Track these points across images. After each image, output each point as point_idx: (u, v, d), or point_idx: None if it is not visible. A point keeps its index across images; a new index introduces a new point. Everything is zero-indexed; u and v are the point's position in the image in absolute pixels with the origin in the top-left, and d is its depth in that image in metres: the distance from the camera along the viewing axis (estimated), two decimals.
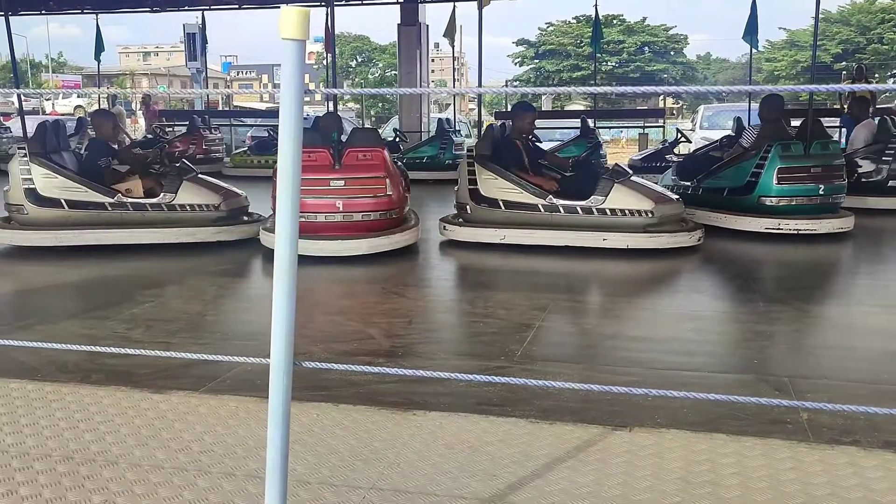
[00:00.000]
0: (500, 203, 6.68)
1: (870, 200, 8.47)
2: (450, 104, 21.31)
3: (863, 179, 8.85)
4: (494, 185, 6.71)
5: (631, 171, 7.00)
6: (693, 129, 17.77)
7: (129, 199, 6.75)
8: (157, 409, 2.87)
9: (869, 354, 3.89)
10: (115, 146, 7.60)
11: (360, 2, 16.34)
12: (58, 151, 6.94)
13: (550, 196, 6.56)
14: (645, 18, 44.07)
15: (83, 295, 5.47)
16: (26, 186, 6.64)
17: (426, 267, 6.46)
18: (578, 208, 6.50)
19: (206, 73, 18.51)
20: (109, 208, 6.70)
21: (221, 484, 2.31)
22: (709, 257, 6.29)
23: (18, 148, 6.93)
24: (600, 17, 14.77)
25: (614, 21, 41.97)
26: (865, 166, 9.00)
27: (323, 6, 15.57)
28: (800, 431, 2.83)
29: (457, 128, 15.69)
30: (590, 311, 5.08)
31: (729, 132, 12.35)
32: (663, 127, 16.63)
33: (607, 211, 6.42)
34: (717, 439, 2.61)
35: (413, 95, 15.75)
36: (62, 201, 6.69)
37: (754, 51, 15.10)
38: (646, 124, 16.21)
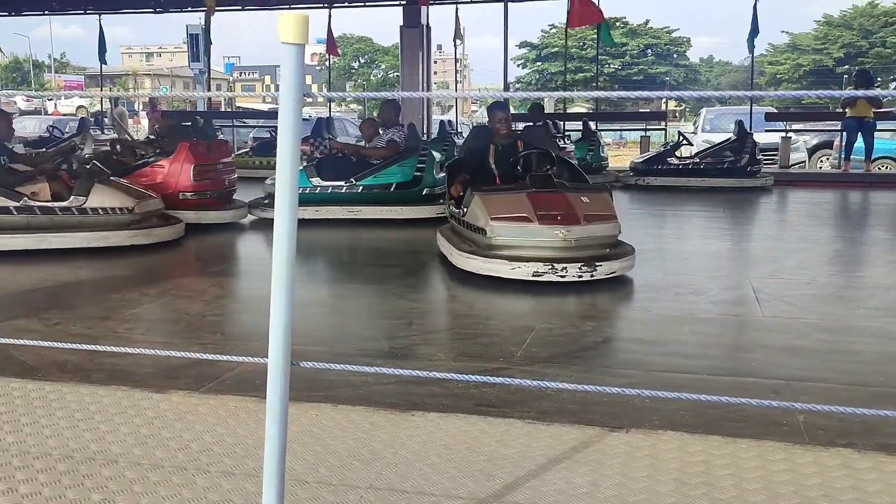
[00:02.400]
0: None
1: None
2: (452, 106, 21.36)
3: None
4: None
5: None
6: (695, 132, 17.80)
7: (37, 203, 6.56)
8: (157, 409, 2.89)
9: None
10: (10, 146, 7.32)
11: (362, 3, 16.38)
12: None
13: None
14: (648, 21, 44.23)
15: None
16: None
17: None
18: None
19: (209, 74, 18.55)
20: (15, 212, 6.51)
21: (220, 483, 2.34)
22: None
23: None
24: (605, 21, 14.82)
25: (617, 23, 42.01)
26: None
27: (325, 8, 15.65)
28: (795, 433, 2.84)
29: (459, 130, 15.72)
30: None
31: (731, 135, 12.41)
32: (665, 129, 16.65)
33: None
34: (713, 441, 2.63)
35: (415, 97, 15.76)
36: None
37: (756, 54, 15.16)
38: (647, 127, 16.22)
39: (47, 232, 6.54)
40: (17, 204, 6.48)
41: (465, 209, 5.79)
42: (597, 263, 5.21)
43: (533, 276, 5.13)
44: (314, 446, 2.59)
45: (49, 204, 6.58)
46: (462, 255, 5.53)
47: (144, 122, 20.62)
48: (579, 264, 5.17)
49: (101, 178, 6.89)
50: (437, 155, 9.93)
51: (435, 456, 2.52)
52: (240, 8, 16.73)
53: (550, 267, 5.13)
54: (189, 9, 17.25)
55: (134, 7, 17.40)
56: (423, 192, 8.34)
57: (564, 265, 5.15)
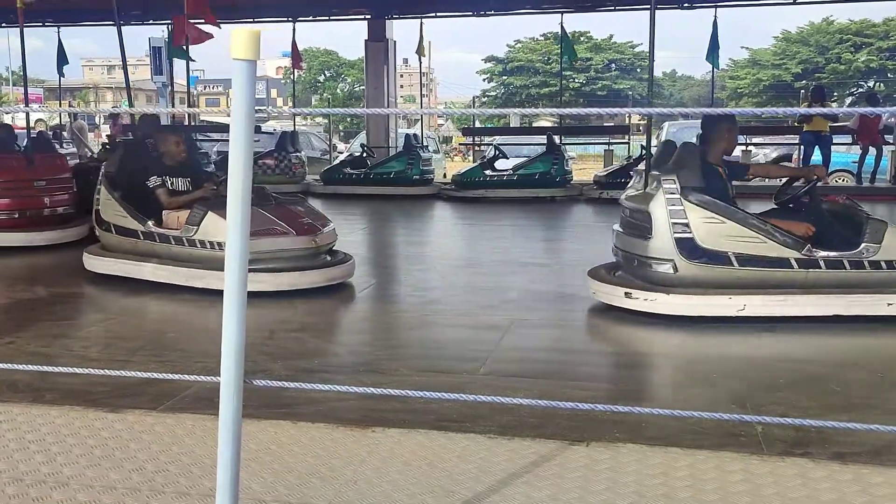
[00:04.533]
0: (732, 257, 4.63)
1: None
2: (418, 119, 21.41)
3: None
4: (721, 232, 4.65)
5: None
6: (658, 146, 18.03)
7: (156, 230, 5.88)
8: (112, 429, 2.83)
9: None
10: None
11: (326, 17, 16.36)
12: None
13: (808, 245, 4.65)
14: (612, 36, 44.75)
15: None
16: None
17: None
18: (846, 262, 4.66)
19: (173, 88, 18.37)
20: (141, 237, 5.98)
21: None
22: None
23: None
24: (568, 35, 14.99)
25: (581, 38, 42.48)
26: None
27: (289, 21, 15.61)
28: (753, 444, 2.87)
29: (425, 143, 15.75)
30: None
31: None
32: (629, 143, 16.84)
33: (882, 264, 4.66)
34: (672, 453, 2.65)
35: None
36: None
37: (716, 69, 15.44)
38: (611, 140, 16.41)
39: (167, 262, 5.76)
40: (142, 228, 5.95)
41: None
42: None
43: None
44: (273, 464, 2.55)
45: (165, 232, 5.83)
46: None
47: (105, 136, 20.32)
48: None
49: (219, 205, 5.69)
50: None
51: (395, 472, 2.50)
52: (202, 21, 16.59)
53: None
54: (151, 21, 17.08)
55: (94, 19, 17.17)
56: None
57: None
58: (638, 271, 4.94)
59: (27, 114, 10.43)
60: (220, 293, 1.72)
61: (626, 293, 4.85)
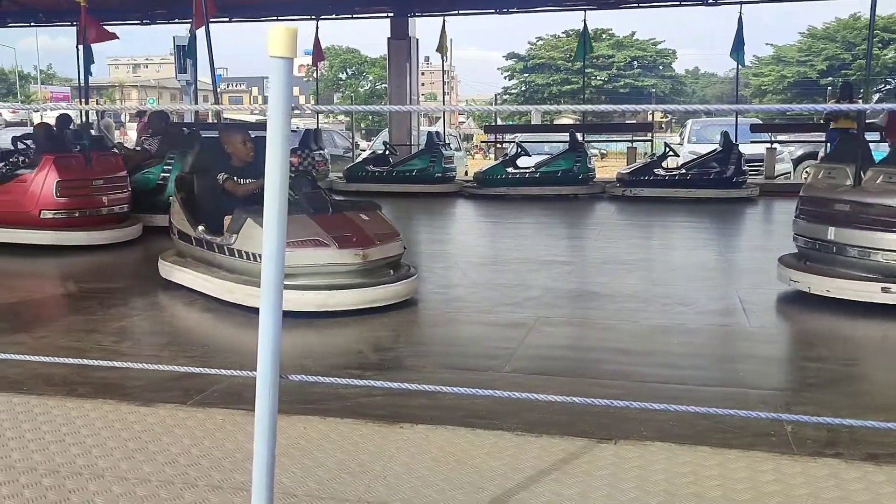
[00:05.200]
0: None
1: None
2: (440, 117, 21.43)
3: None
4: None
5: None
6: (681, 143, 17.91)
7: (204, 236, 5.46)
8: (145, 422, 2.87)
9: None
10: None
11: (349, 16, 16.40)
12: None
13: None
14: (634, 33, 44.49)
15: None
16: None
17: None
18: None
19: (196, 86, 18.52)
20: (193, 242, 5.59)
21: (208, 497, 2.32)
22: None
23: None
24: (589, 32, 14.93)
25: (603, 35, 42.32)
26: None
27: (312, 20, 15.67)
28: (783, 444, 2.86)
29: (446, 141, 15.76)
30: None
31: (717, 146, 12.50)
32: (651, 141, 16.74)
33: None
34: (701, 452, 2.63)
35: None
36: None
37: (741, 66, 15.30)
38: (634, 138, 16.31)
39: (212, 272, 5.31)
40: (194, 233, 5.57)
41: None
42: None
43: None
44: (302, 459, 2.58)
45: (210, 238, 5.40)
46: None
47: (132, 133, 20.56)
48: None
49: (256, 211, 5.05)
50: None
51: (424, 468, 2.51)
52: (227, 19, 16.71)
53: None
54: (176, 20, 17.23)
55: (121, 19, 17.34)
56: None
57: None
58: (868, 264, 4.84)
59: (86, 113, 10.35)
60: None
61: (883, 288, 4.75)
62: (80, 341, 4.35)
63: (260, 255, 4.29)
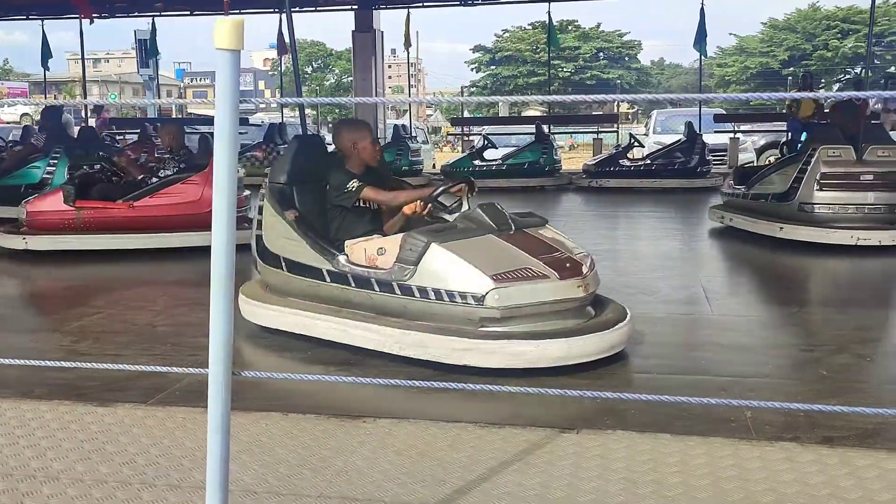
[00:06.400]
0: None
1: None
2: (407, 110, 21.34)
3: None
4: None
5: None
6: (647, 134, 18.07)
7: (354, 266, 3.95)
8: (102, 423, 2.83)
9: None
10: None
11: (314, 8, 16.27)
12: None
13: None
14: (599, 24, 44.68)
15: None
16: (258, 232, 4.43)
17: None
18: None
19: (158, 81, 18.24)
20: (328, 278, 4.04)
21: (167, 496, 2.29)
22: None
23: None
24: (555, 24, 14.98)
25: (569, 27, 42.44)
26: None
27: (276, 13, 15.52)
28: (743, 430, 2.89)
29: (413, 134, 15.72)
30: None
31: (681, 136, 12.62)
32: (617, 132, 16.86)
33: None
34: (661, 439, 2.66)
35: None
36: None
37: (704, 57, 15.46)
38: (600, 129, 16.42)
39: (348, 315, 3.92)
40: (329, 266, 4.03)
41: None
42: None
43: None
44: (263, 456, 2.56)
45: (367, 272, 3.90)
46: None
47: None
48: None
49: (444, 233, 3.82)
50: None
51: (386, 462, 2.50)
52: (189, 13, 16.49)
53: None
54: (136, 14, 16.95)
55: (79, 12, 17.02)
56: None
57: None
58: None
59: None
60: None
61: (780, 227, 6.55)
62: (37, 342, 4.27)
63: (455, 294, 3.53)
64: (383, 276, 3.79)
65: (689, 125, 12.51)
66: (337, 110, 41.20)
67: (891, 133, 13.17)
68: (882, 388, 3.49)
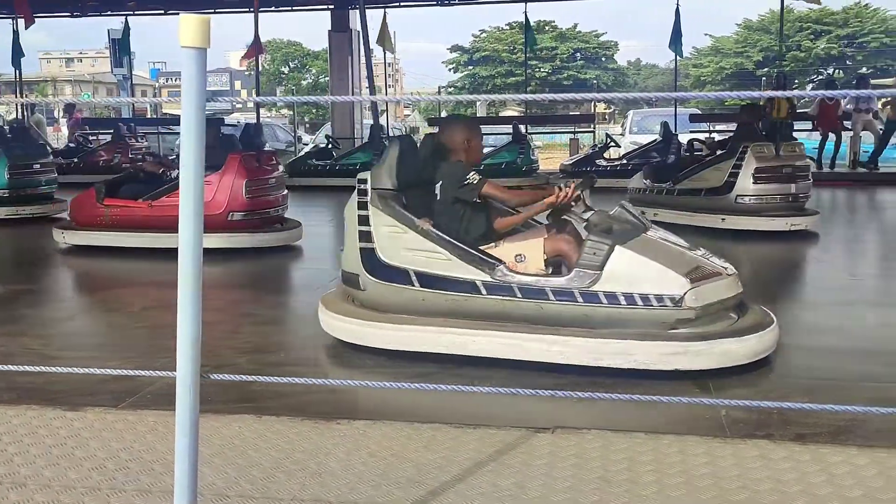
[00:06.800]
0: None
1: None
2: (384, 110, 21.29)
3: None
4: None
5: None
6: (623, 134, 18.17)
7: (519, 276, 3.65)
8: (71, 428, 2.78)
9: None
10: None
11: (289, 8, 16.18)
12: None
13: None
14: (576, 25, 44.84)
15: None
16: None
17: None
18: None
19: (133, 80, 18.04)
20: (484, 291, 3.68)
21: (136, 502, 2.26)
22: None
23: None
24: (531, 24, 15.01)
25: (546, 28, 42.56)
26: None
27: (251, 12, 15.40)
28: (717, 427, 2.91)
29: (390, 134, 15.67)
30: None
31: (657, 136, 12.70)
32: (594, 132, 16.93)
33: None
34: (636, 438, 2.67)
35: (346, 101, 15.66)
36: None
37: (679, 57, 15.57)
38: (576, 129, 16.48)
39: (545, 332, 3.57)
40: (486, 277, 3.67)
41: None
42: None
43: None
44: (236, 459, 2.52)
45: (537, 278, 3.64)
46: None
47: (65, 129, 19.92)
48: None
49: (626, 233, 3.69)
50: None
51: (360, 464, 2.49)
52: (163, 12, 16.33)
53: None
54: (109, 13, 16.75)
55: (51, 11, 16.79)
56: None
57: None
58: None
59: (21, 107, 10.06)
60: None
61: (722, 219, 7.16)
62: (4, 345, 4.20)
63: (649, 297, 3.38)
64: (561, 284, 3.56)
65: (664, 125, 12.58)
66: (314, 110, 41.04)
67: (862, 133, 13.43)
68: (854, 386, 3.52)
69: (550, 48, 43.04)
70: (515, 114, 23.99)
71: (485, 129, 18.47)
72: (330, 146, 14.09)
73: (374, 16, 15.79)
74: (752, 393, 3.32)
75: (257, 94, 16.27)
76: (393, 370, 3.70)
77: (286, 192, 7.58)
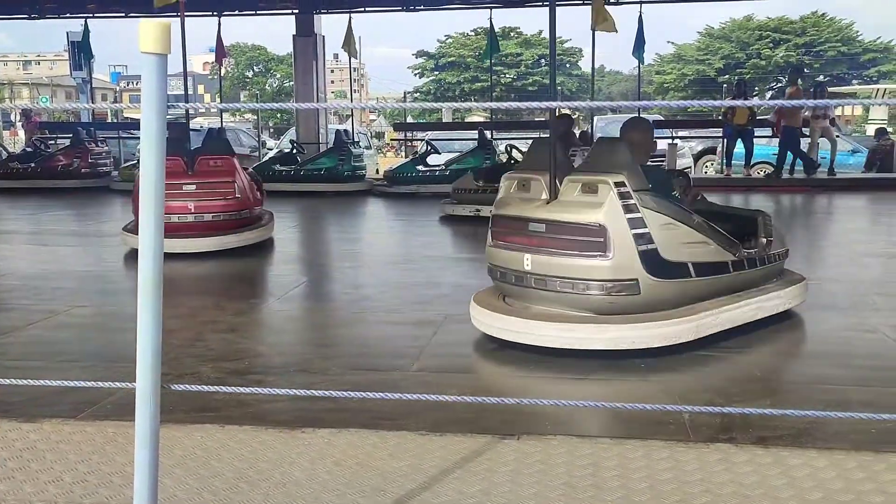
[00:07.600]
0: None
1: None
2: (349, 115, 21.24)
3: None
4: None
5: None
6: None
7: (748, 251, 4.42)
8: (27, 440, 2.71)
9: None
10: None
11: (253, 12, 16.06)
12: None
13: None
14: (541, 31, 45.20)
15: None
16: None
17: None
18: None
19: (93, 84, 17.75)
20: (731, 268, 4.26)
21: None
22: None
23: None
24: (496, 30, 15.08)
25: (511, 34, 42.88)
26: None
27: (214, 16, 15.26)
28: (681, 432, 2.93)
29: (356, 139, 15.62)
30: None
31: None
32: None
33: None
34: (601, 443, 2.68)
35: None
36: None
37: (642, 64, 15.78)
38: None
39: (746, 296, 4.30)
40: (734, 257, 4.25)
41: None
42: None
43: None
44: (199, 470, 2.48)
45: (754, 251, 4.45)
46: None
47: (22, 133, 19.52)
48: None
49: None
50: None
51: (325, 473, 2.46)
52: (124, 14, 16.09)
53: None
54: (68, 15, 16.46)
55: (8, 12, 16.46)
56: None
57: None
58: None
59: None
60: None
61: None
62: None
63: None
64: (758, 254, 4.42)
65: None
66: (278, 115, 40.72)
67: (820, 139, 13.72)
68: (814, 390, 3.58)
69: (516, 54, 43.36)
70: (481, 119, 24.06)
71: (450, 134, 18.58)
72: (295, 151, 14.00)
73: (339, 20, 15.76)
74: (714, 397, 3.36)
75: (220, 100, 16.09)
76: (356, 377, 3.68)
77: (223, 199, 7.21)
